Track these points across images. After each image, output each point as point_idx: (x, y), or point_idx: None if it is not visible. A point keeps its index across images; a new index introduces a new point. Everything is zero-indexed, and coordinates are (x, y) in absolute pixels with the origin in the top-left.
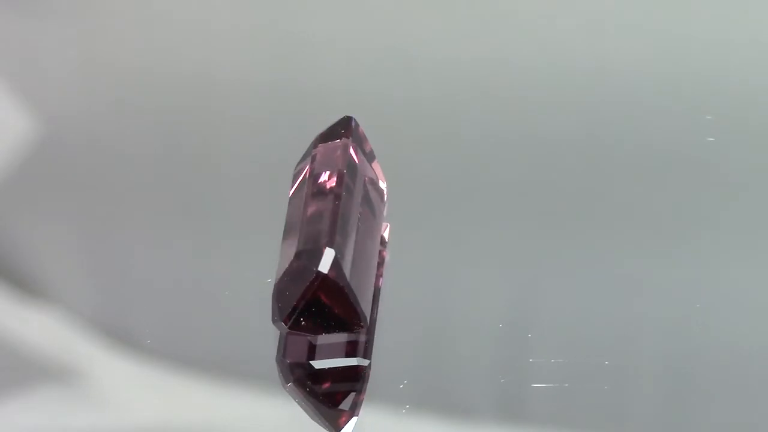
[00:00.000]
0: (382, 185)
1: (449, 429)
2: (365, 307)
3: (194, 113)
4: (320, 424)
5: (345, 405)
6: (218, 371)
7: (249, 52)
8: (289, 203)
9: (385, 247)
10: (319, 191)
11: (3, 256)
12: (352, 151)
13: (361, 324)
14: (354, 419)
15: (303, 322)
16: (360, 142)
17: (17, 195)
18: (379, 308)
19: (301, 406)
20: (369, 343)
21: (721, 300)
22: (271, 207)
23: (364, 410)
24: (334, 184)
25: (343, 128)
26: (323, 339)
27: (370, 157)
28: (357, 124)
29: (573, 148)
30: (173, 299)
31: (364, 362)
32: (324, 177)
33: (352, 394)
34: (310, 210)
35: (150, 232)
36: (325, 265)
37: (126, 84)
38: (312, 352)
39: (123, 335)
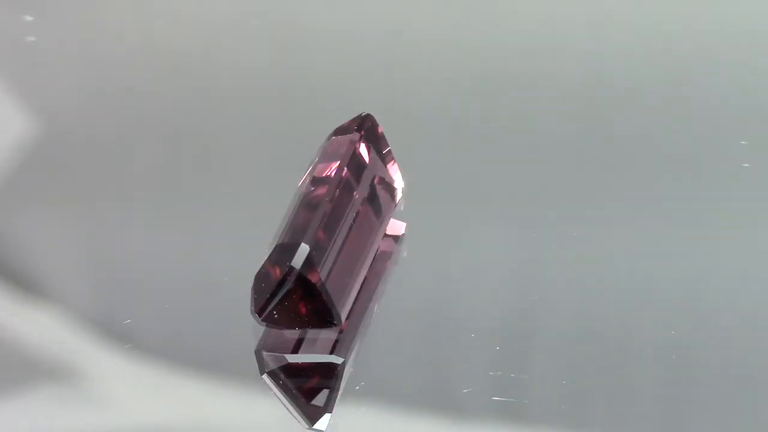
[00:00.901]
0: (397, 186)
1: (449, 428)
2: (343, 306)
3: (195, 113)
4: (295, 417)
5: (319, 401)
6: (218, 370)
7: (252, 45)
8: (295, 194)
9: (398, 244)
10: (316, 185)
11: (3, 256)
12: (361, 147)
13: (335, 323)
14: (327, 416)
15: (276, 316)
16: (375, 141)
17: (17, 194)
18: (378, 306)
19: (277, 397)
20: (347, 342)
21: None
22: (275, 204)
23: (362, 408)
24: (331, 178)
25: (358, 124)
26: (299, 334)
27: (385, 156)
28: (375, 123)
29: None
30: (173, 299)
31: (338, 360)
32: (323, 171)
33: (326, 391)
34: (303, 202)
35: (150, 232)
36: (298, 261)
37: (126, 83)
38: (288, 346)
39: (122, 335)
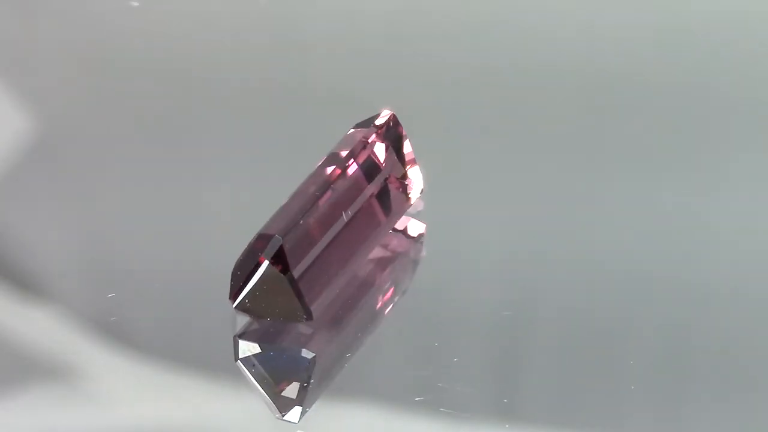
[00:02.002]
0: (415, 187)
1: (448, 426)
2: (317, 301)
3: (195, 111)
4: (267, 406)
5: (290, 393)
6: (217, 370)
7: (253, 46)
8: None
9: (417, 244)
10: (314, 177)
11: (2, 255)
12: (376, 144)
13: (304, 317)
14: (298, 408)
15: (248, 304)
16: (395, 139)
17: (16, 193)
18: (384, 305)
19: (250, 385)
20: (323, 337)
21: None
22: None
23: (362, 406)
24: (330, 171)
25: (377, 121)
26: (274, 324)
27: (405, 156)
28: (396, 122)
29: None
30: (173, 298)
31: (308, 354)
32: (327, 163)
33: (296, 384)
34: (297, 193)
35: (150, 231)
36: (269, 252)
37: (126, 82)
38: (264, 335)
39: (122, 334)
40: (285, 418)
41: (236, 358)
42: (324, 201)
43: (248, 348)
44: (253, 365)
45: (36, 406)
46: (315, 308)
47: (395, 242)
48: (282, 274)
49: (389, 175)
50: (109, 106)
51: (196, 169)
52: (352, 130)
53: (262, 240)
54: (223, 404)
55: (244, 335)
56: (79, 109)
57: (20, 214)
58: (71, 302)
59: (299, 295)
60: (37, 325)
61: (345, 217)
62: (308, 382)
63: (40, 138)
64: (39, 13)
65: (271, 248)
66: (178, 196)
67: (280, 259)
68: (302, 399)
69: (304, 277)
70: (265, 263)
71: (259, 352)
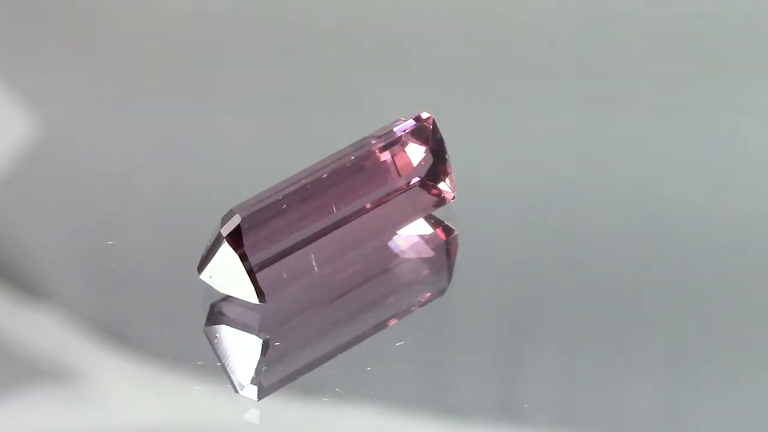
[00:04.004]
0: (446, 195)
1: (447, 424)
2: (273, 284)
3: (196, 110)
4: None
5: (247, 371)
6: (217, 371)
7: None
8: None
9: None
10: (323, 162)
11: (2, 256)
12: (408, 145)
13: (258, 298)
14: (254, 387)
15: (211, 278)
16: (429, 142)
17: (17, 194)
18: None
19: (214, 355)
20: (281, 322)
21: None
22: None
23: (357, 403)
24: (338, 161)
25: (412, 120)
26: (238, 301)
27: (439, 161)
28: (434, 126)
29: None
30: (173, 298)
31: (262, 336)
32: (344, 152)
33: (252, 366)
34: (294, 177)
35: (149, 231)
36: (227, 229)
37: (126, 84)
38: (234, 310)
39: (122, 335)
40: (242, 393)
41: (204, 324)
42: (307, 188)
43: (215, 319)
44: (216, 337)
45: (35, 408)
46: (272, 291)
47: (419, 248)
48: (235, 251)
49: (417, 177)
50: (112, 108)
51: (196, 169)
52: (393, 123)
53: (229, 216)
54: (222, 405)
55: (218, 306)
56: (82, 111)
57: (21, 215)
58: (71, 304)
59: (252, 275)
60: (36, 327)
61: (335, 208)
62: (260, 364)
63: (42, 139)
64: (39, 13)
65: (230, 225)
66: (178, 196)
67: (235, 237)
68: (258, 378)
69: (263, 258)
70: (222, 239)
71: (224, 326)
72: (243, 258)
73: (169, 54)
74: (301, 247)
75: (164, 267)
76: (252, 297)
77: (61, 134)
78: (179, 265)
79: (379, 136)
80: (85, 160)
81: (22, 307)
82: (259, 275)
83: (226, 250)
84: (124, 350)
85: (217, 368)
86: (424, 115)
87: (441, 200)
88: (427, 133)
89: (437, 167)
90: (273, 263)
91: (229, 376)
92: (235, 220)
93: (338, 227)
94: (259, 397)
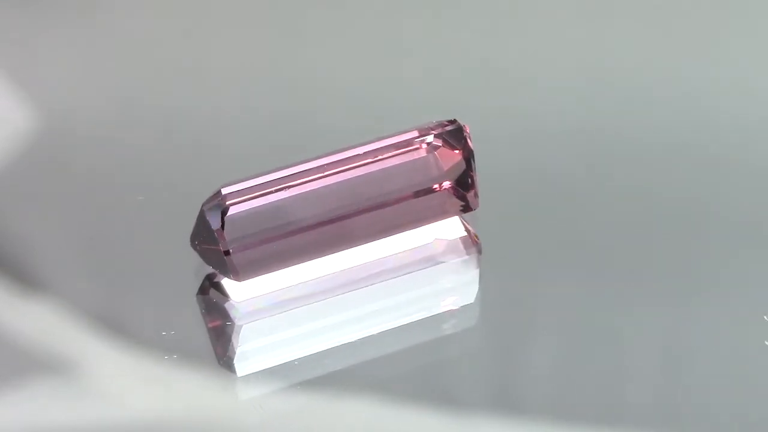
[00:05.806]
0: (471, 206)
1: (447, 424)
2: (248, 265)
3: (195, 109)
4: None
5: (223, 347)
6: (217, 365)
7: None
8: None
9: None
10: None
11: (1, 250)
12: (433, 149)
13: (230, 275)
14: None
15: (198, 247)
16: (465, 151)
17: (16, 189)
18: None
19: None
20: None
21: None
22: None
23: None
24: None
25: (446, 128)
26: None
27: (466, 171)
28: (466, 134)
29: None
30: (172, 294)
31: (229, 320)
32: (363, 146)
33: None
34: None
35: (149, 227)
36: (208, 204)
37: (126, 78)
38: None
39: (121, 328)
40: (222, 366)
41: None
42: (313, 180)
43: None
44: (203, 308)
45: (34, 400)
46: (248, 273)
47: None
48: (212, 228)
49: (441, 185)
50: (111, 102)
51: (196, 168)
52: (426, 124)
53: (217, 193)
54: (221, 398)
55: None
56: (81, 105)
57: (20, 209)
58: (70, 296)
59: (225, 250)
60: (35, 320)
61: (354, 203)
62: (230, 349)
63: (41, 133)
64: (40, 10)
65: (212, 201)
66: (178, 191)
67: (215, 213)
68: (230, 360)
69: (239, 236)
70: (203, 213)
71: (209, 298)
72: (221, 235)
73: (168, 45)
74: (287, 238)
75: (164, 259)
76: (223, 272)
77: (57, 126)
78: (178, 258)
79: (417, 134)
80: (83, 151)
81: (19, 298)
82: (239, 255)
83: (205, 226)
84: (122, 341)
85: (217, 365)
86: (459, 122)
87: (466, 207)
88: (462, 139)
89: (467, 174)
90: (248, 245)
91: (212, 347)
92: (217, 196)
93: (359, 215)
94: (240, 373)
